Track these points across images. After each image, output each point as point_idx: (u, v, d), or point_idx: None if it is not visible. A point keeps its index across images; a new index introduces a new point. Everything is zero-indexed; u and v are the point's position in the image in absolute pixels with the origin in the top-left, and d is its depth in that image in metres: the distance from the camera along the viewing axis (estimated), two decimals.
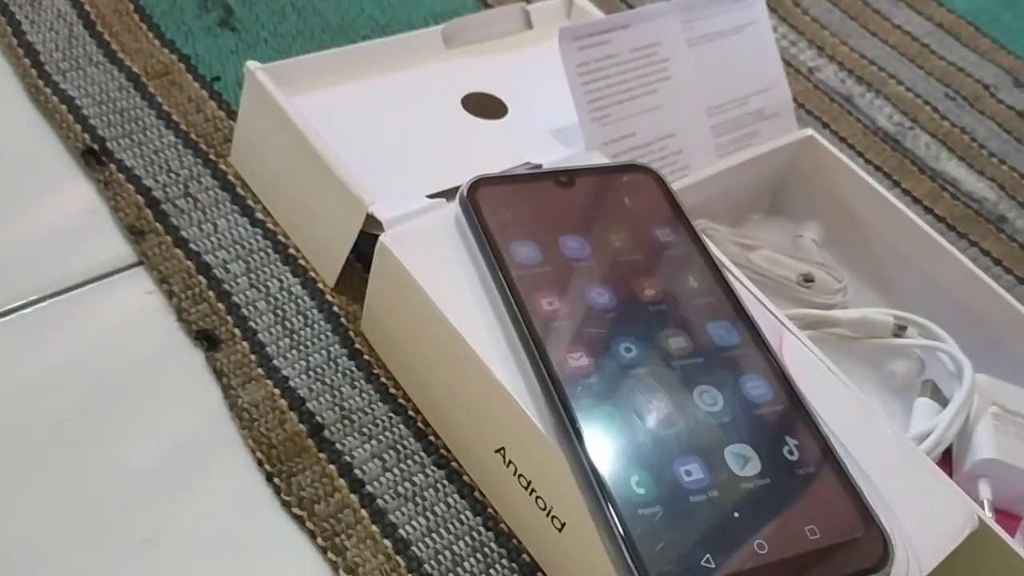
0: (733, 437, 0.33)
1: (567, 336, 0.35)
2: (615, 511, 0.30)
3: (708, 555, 0.30)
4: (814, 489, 0.33)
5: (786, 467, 0.33)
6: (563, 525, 0.34)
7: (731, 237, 0.46)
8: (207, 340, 0.40)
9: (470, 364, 0.35)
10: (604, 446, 0.32)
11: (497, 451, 0.36)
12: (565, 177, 0.40)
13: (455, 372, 0.37)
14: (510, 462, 0.36)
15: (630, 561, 0.29)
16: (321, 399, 0.39)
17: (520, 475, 0.35)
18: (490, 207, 0.38)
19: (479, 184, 0.38)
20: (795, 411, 0.35)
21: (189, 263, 0.42)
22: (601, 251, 0.38)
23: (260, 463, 0.37)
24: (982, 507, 0.40)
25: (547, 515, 0.35)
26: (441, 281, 0.37)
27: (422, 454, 0.38)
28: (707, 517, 0.31)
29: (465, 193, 0.38)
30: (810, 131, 0.49)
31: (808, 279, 0.47)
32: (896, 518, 0.34)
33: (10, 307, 0.40)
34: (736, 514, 0.31)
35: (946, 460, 0.42)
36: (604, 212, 0.39)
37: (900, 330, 0.45)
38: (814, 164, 0.50)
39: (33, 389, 0.37)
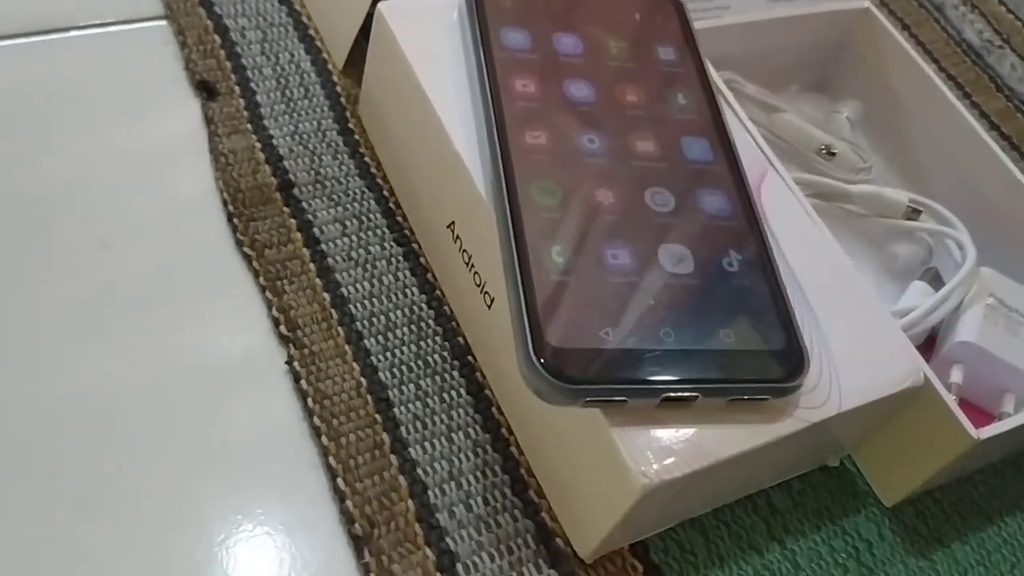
0: (673, 237, 0.32)
1: (532, 117, 0.34)
2: (522, 267, 0.30)
3: (608, 328, 0.29)
4: (742, 299, 0.31)
5: (720, 274, 0.32)
6: (492, 301, 0.34)
7: (756, 94, 0.44)
8: (206, 90, 0.41)
9: (434, 132, 0.35)
10: (535, 215, 0.31)
11: (448, 226, 0.36)
12: None
13: (422, 142, 0.37)
14: (457, 237, 0.36)
15: (525, 314, 0.29)
16: (299, 160, 0.40)
17: (464, 250, 0.35)
18: None
19: None
20: (748, 230, 0.33)
21: (209, 22, 0.43)
22: (595, 53, 0.37)
23: (225, 203, 0.38)
24: (948, 389, 0.38)
25: (480, 291, 0.34)
26: (426, 51, 0.36)
27: (385, 229, 0.39)
28: (619, 297, 0.30)
29: None
30: (867, 3, 0.46)
31: (830, 151, 0.44)
32: (831, 353, 0.32)
33: (33, 29, 0.42)
34: (652, 301, 0.31)
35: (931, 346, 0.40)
36: (611, 19, 0.38)
37: (914, 214, 0.42)
38: (867, 41, 0.47)
39: (35, 108, 0.40)
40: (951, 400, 0.33)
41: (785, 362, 0.30)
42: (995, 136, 0.52)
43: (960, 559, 0.36)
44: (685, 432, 0.29)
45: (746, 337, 0.31)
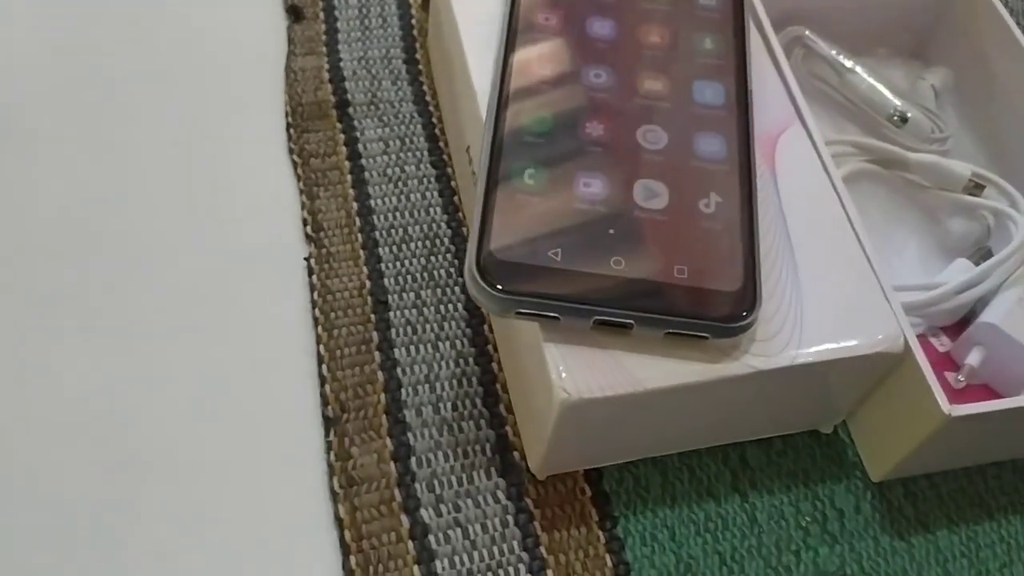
0: (653, 173, 0.33)
1: (545, 49, 0.35)
2: (489, 183, 0.31)
3: (559, 249, 0.31)
4: (708, 239, 0.31)
5: (693, 214, 0.32)
6: None
7: (828, 52, 0.43)
8: (295, 14, 0.45)
9: (459, 59, 0.37)
10: (517, 139, 0.33)
11: (466, 150, 0.38)
12: None
13: (455, 70, 0.39)
14: (470, 160, 0.38)
15: (479, 225, 0.31)
16: (359, 83, 0.43)
17: (473, 172, 0.37)
18: None
19: None
20: (736, 175, 0.33)
21: None
22: None
23: (286, 115, 0.42)
24: (959, 370, 0.36)
25: None
26: None
27: (424, 152, 0.41)
28: (578, 222, 0.31)
29: None
30: None
31: (903, 117, 0.42)
32: (802, 308, 0.32)
33: None
34: (611, 231, 0.31)
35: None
36: None
37: (976, 189, 0.40)
38: (965, 5, 0.44)
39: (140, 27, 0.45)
40: (928, 371, 0.31)
41: (732, 304, 0.30)
42: None
43: (943, 547, 0.34)
44: (618, 357, 0.30)
45: (700, 275, 0.31)
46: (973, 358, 0.36)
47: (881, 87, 0.43)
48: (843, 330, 0.32)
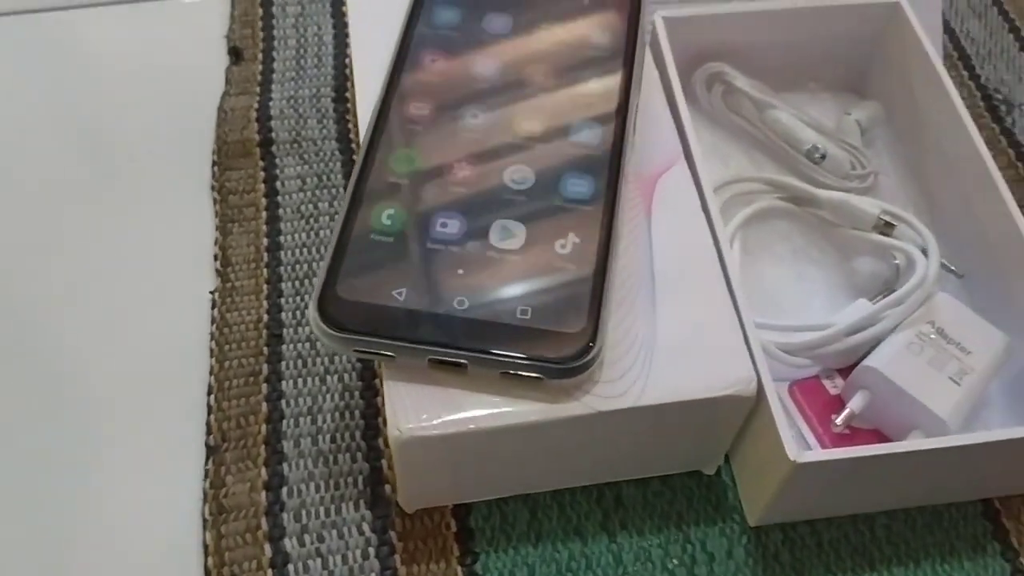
0: (513, 213, 0.33)
1: (426, 90, 0.36)
2: (346, 222, 0.32)
3: (404, 289, 0.31)
4: (558, 280, 0.31)
5: (547, 255, 0.32)
6: None
7: (748, 88, 0.42)
8: (235, 55, 0.47)
9: (355, 100, 0.38)
10: (381, 179, 0.33)
11: None
12: None
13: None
14: None
15: (327, 264, 0.31)
16: (286, 122, 0.45)
17: None
18: None
19: None
20: (598, 217, 0.33)
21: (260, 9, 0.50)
22: (521, 33, 0.38)
23: (213, 153, 0.44)
24: (837, 414, 0.35)
25: None
26: (371, 25, 0.39)
27: (340, 189, 0.43)
28: (429, 262, 0.32)
29: None
30: None
31: (820, 154, 0.41)
32: (655, 350, 0.31)
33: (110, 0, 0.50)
34: (460, 271, 0.32)
35: None
36: (552, 3, 0.39)
37: (888, 228, 0.39)
38: (895, 40, 0.43)
39: (90, 67, 0.48)
40: (780, 416, 0.31)
41: (570, 345, 0.30)
42: None
43: None
44: (455, 396, 0.31)
45: (542, 316, 0.31)
46: (855, 403, 0.35)
47: (799, 123, 0.42)
48: (695, 372, 0.31)
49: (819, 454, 0.30)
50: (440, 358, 0.30)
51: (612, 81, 0.37)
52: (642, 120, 0.38)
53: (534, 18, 0.38)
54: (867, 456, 0.30)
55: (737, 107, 0.43)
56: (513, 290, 0.31)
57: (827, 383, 0.37)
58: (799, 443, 0.36)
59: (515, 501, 0.35)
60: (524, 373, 0.30)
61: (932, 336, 0.35)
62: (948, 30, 0.50)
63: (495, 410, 0.30)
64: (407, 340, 0.30)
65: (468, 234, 0.33)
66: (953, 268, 0.39)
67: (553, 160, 0.35)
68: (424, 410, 0.30)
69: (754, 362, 0.32)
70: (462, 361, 0.30)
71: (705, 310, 0.33)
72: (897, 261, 0.38)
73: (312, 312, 0.31)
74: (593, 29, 0.38)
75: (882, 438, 0.35)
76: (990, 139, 0.46)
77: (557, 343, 0.30)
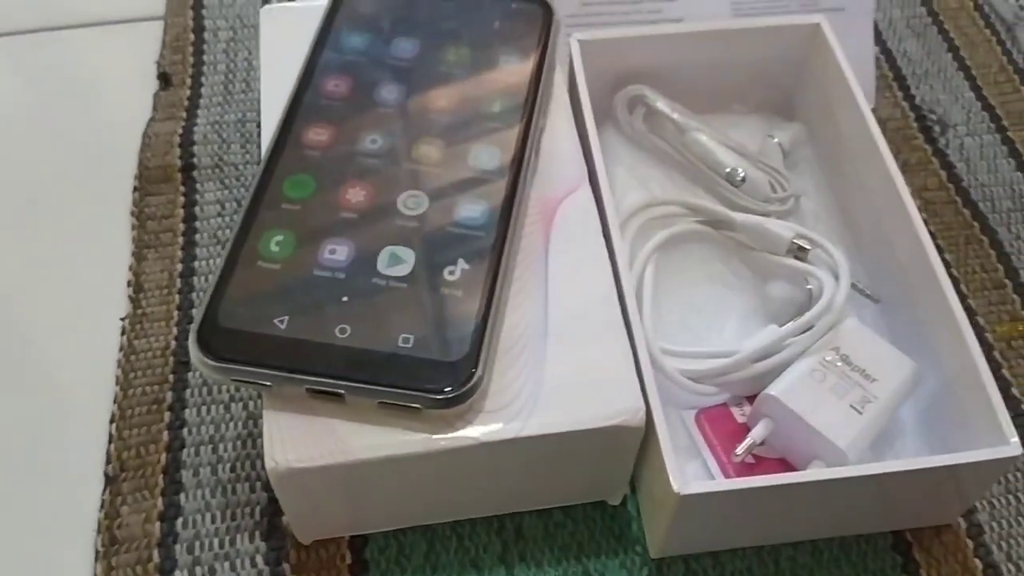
0: (404, 239, 0.33)
1: (327, 115, 0.36)
2: (233, 250, 0.32)
3: (285, 317, 0.31)
4: (443, 308, 0.31)
5: (435, 282, 0.32)
6: None
7: (669, 111, 0.42)
8: (164, 80, 0.47)
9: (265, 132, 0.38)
10: (274, 205, 0.33)
11: None
12: None
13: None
14: None
15: (210, 292, 0.31)
16: (208, 147, 0.44)
17: None
18: None
19: None
20: (490, 243, 0.32)
21: (191, 22, 0.49)
22: (428, 59, 0.38)
23: (135, 178, 0.44)
24: (740, 443, 0.34)
25: None
26: (280, 51, 0.39)
27: None
28: (312, 290, 0.31)
29: None
30: (820, 18, 0.42)
31: (740, 177, 0.41)
32: (543, 380, 0.31)
33: (47, 26, 0.50)
34: (344, 299, 0.31)
35: None
36: (462, 27, 0.39)
37: (801, 252, 0.38)
38: (816, 63, 0.42)
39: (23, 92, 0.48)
40: (668, 447, 0.30)
41: (448, 376, 0.30)
42: (1020, 178, 0.44)
43: None
44: (334, 426, 0.30)
45: (425, 345, 0.30)
46: (757, 432, 0.34)
47: (720, 146, 0.41)
48: (583, 403, 0.31)
49: (702, 486, 0.29)
50: (317, 388, 0.30)
51: (515, 105, 0.37)
52: (549, 144, 0.37)
53: (442, 42, 0.38)
54: (753, 488, 0.30)
55: (659, 130, 0.43)
56: (397, 318, 0.31)
57: (736, 411, 0.36)
58: (703, 473, 0.35)
59: (413, 532, 0.35)
60: (401, 403, 0.30)
61: (836, 363, 0.34)
62: (885, 50, 0.49)
63: (372, 441, 0.30)
64: (283, 369, 0.30)
65: (356, 261, 0.32)
66: (869, 293, 0.38)
67: (449, 186, 0.34)
68: (301, 441, 0.30)
69: (644, 392, 0.31)
70: (339, 391, 0.30)
71: (598, 339, 0.32)
72: (810, 286, 0.38)
73: (191, 341, 0.30)
74: (501, 54, 0.38)
75: (788, 467, 0.35)
76: (921, 161, 0.45)
77: (437, 372, 0.30)
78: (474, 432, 0.30)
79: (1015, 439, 0.31)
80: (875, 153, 0.38)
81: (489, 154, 0.35)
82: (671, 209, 0.40)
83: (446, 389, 0.29)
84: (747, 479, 0.30)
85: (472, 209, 0.34)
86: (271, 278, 0.32)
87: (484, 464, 0.31)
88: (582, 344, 0.32)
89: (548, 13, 0.39)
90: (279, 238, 0.33)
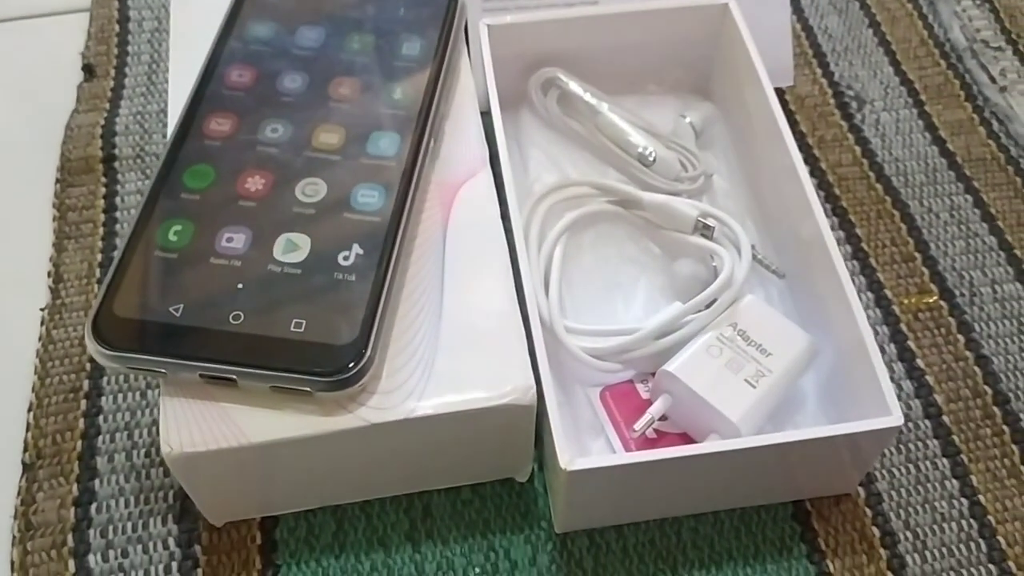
0: (300, 226, 0.33)
1: (228, 105, 0.36)
2: (130, 241, 0.32)
3: (181, 305, 0.31)
4: (335, 293, 0.31)
5: (329, 267, 0.32)
6: None
7: (581, 93, 0.42)
8: (88, 72, 0.47)
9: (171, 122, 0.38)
10: (173, 195, 0.34)
11: None
12: None
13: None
14: None
15: (107, 282, 0.32)
16: (130, 137, 0.45)
17: None
18: None
19: None
20: (385, 228, 0.33)
21: (116, 13, 0.50)
22: (332, 46, 0.38)
23: (58, 170, 0.44)
24: (645, 423, 0.34)
25: None
26: (189, 39, 0.39)
27: None
28: (208, 278, 0.32)
29: None
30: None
31: (651, 157, 0.41)
32: (435, 361, 0.32)
33: None
34: (240, 285, 0.32)
35: None
36: (368, 15, 0.39)
37: (707, 230, 0.39)
38: (725, 42, 0.43)
39: None
40: (557, 426, 0.31)
41: (339, 358, 0.30)
42: (935, 152, 0.45)
43: None
44: (228, 411, 0.31)
45: (317, 329, 0.31)
46: (655, 408, 0.34)
47: (630, 127, 0.42)
48: (474, 383, 0.32)
49: (588, 461, 0.30)
50: (210, 374, 0.31)
51: (416, 91, 0.37)
52: (452, 129, 0.38)
53: (347, 30, 0.39)
54: (639, 463, 0.30)
55: (572, 112, 0.43)
56: (290, 303, 0.32)
57: (640, 387, 0.37)
58: (607, 449, 0.36)
59: (324, 512, 0.35)
60: (293, 387, 0.30)
61: (733, 338, 0.35)
62: (806, 27, 0.50)
63: (265, 425, 0.30)
64: (176, 357, 0.30)
65: (252, 249, 0.33)
66: (775, 268, 0.39)
67: (347, 172, 0.35)
68: (196, 426, 0.30)
69: (537, 371, 0.32)
70: (231, 376, 0.30)
71: (492, 320, 0.33)
72: (715, 263, 0.38)
73: (86, 331, 0.31)
74: (405, 41, 0.38)
75: (689, 441, 0.35)
76: (836, 137, 0.45)
77: (328, 356, 0.31)
78: (366, 413, 0.31)
79: (897, 410, 0.31)
80: (776, 131, 0.38)
81: (388, 140, 0.36)
82: (582, 190, 0.41)
83: (336, 372, 0.30)
84: (632, 454, 0.31)
85: (368, 195, 0.34)
86: (168, 267, 0.32)
87: (379, 445, 0.32)
88: (476, 325, 0.33)
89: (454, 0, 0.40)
90: (177, 228, 0.33)
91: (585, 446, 0.36)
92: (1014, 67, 0.48)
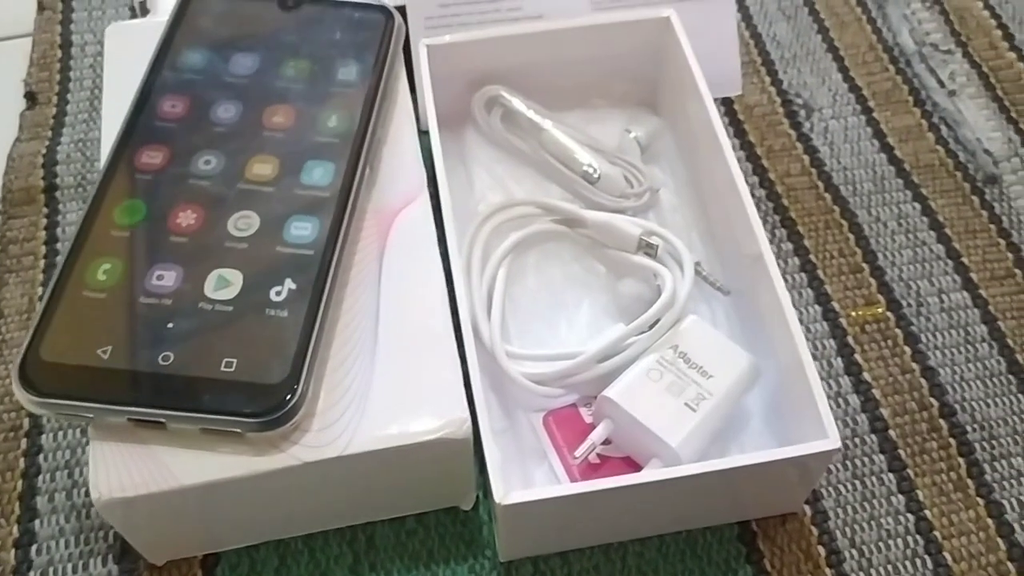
0: (231, 262, 0.33)
1: (161, 136, 0.36)
2: (59, 281, 0.32)
3: (110, 347, 0.31)
4: (266, 330, 0.31)
5: (261, 303, 0.32)
6: None
7: (525, 110, 0.42)
8: (30, 99, 0.47)
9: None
10: (104, 232, 0.33)
11: None
12: (293, 2, 0.40)
13: None
14: None
15: (35, 325, 0.31)
16: (71, 166, 0.44)
17: None
18: (200, 12, 0.39)
19: None
20: (319, 261, 0.33)
21: (59, 38, 0.49)
22: (266, 74, 0.38)
23: (0, 200, 0.44)
24: (586, 449, 0.34)
25: None
26: (124, 70, 0.38)
27: None
28: (138, 318, 0.31)
29: (179, 1, 0.39)
30: (670, 12, 0.42)
31: (596, 174, 0.41)
32: (369, 396, 0.31)
33: None
34: (170, 325, 0.31)
35: None
36: (303, 40, 0.38)
37: (651, 248, 0.38)
38: (669, 53, 0.42)
39: None
40: (492, 458, 0.30)
41: (269, 398, 0.30)
42: (883, 159, 0.45)
43: None
44: (158, 454, 0.30)
45: (247, 369, 0.31)
46: (596, 434, 0.34)
47: (574, 144, 0.41)
48: (409, 415, 0.31)
49: (524, 495, 0.30)
50: (139, 418, 0.30)
51: (352, 117, 0.37)
52: (390, 154, 0.37)
53: (282, 57, 0.38)
54: (576, 494, 0.30)
55: (516, 129, 0.43)
56: (221, 342, 0.31)
57: (584, 411, 0.36)
58: (550, 476, 0.36)
59: (267, 548, 0.35)
60: (223, 428, 0.30)
61: (674, 361, 0.35)
62: (755, 35, 0.49)
63: (195, 467, 0.30)
64: (103, 401, 0.30)
65: (183, 286, 0.32)
66: (719, 285, 0.39)
67: (280, 204, 0.34)
68: (125, 470, 0.30)
69: (472, 402, 0.32)
70: (160, 420, 0.30)
71: (428, 350, 0.33)
72: (658, 282, 0.38)
73: (12, 377, 0.30)
74: (340, 65, 0.38)
75: (632, 465, 0.35)
76: (785, 146, 0.45)
77: (258, 395, 0.30)
78: (299, 452, 0.30)
79: (834, 433, 0.31)
80: (716, 144, 0.38)
81: (323, 169, 0.35)
82: (527, 209, 0.41)
83: (266, 412, 0.30)
84: (568, 486, 0.30)
85: (301, 227, 0.34)
86: (97, 308, 0.32)
87: (315, 482, 0.32)
88: (412, 357, 0.32)
89: (390, 20, 0.39)
90: (106, 266, 0.33)
91: (528, 473, 0.35)
92: (963, 70, 0.48)
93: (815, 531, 0.35)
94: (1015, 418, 0.38)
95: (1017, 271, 0.41)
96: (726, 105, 0.47)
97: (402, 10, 0.43)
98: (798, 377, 0.33)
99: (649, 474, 0.30)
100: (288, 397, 0.30)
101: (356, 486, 0.33)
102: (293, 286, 0.32)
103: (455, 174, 0.43)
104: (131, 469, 0.30)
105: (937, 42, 0.49)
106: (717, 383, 0.34)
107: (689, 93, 0.41)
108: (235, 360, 0.31)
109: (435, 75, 0.41)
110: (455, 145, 0.44)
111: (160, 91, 0.37)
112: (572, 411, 0.37)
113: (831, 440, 0.31)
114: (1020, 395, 0.38)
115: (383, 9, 0.40)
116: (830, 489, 0.36)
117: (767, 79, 0.48)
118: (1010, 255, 0.42)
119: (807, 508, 0.36)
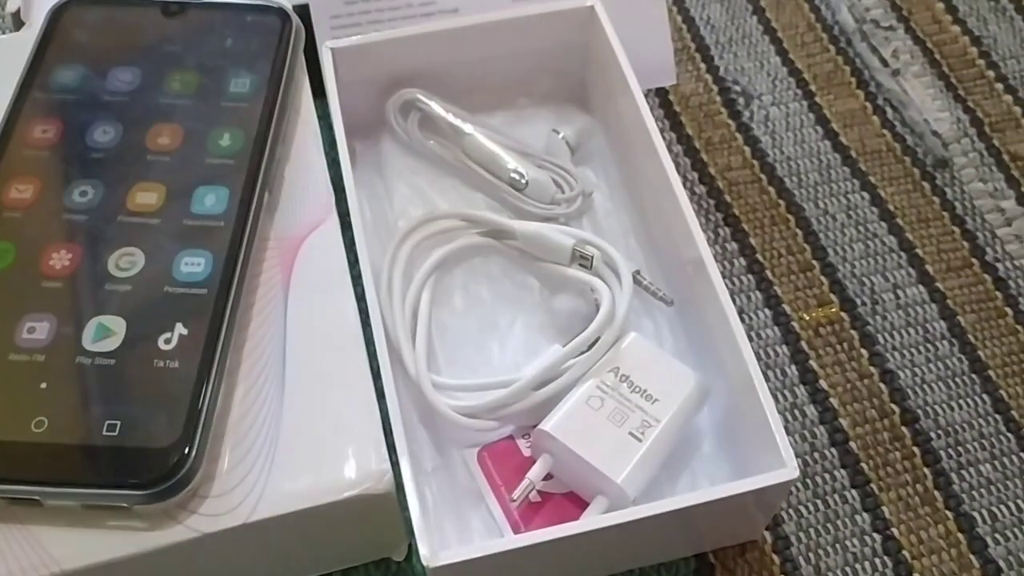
0: (114, 307, 0.29)
1: (32, 167, 0.32)
2: None
3: None
4: (155, 385, 0.28)
5: (148, 354, 0.28)
6: None
7: (443, 113, 0.39)
8: None
9: None
10: None
11: None
12: (177, 7, 0.36)
13: None
14: None
15: None
16: None
17: None
18: (72, 24, 0.35)
19: (71, 3, 0.36)
20: (212, 302, 0.29)
21: None
22: (149, 90, 0.34)
23: None
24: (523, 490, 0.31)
25: None
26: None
27: None
28: (7, 378, 0.28)
29: (49, 13, 0.35)
30: (592, 1, 0.38)
31: (524, 180, 0.38)
32: (276, 451, 0.28)
33: None
34: (43, 385, 0.28)
35: None
36: (189, 49, 0.35)
37: (585, 259, 0.35)
38: (595, 45, 0.39)
39: None
40: (416, 515, 0.27)
41: (158, 465, 0.26)
42: (828, 147, 0.42)
43: None
44: (35, 534, 0.27)
45: (133, 431, 0.27)
46: (535, 472, 0.31)
47: (497, 149, 0.38)
48: (322, 471, 0.28)
49: (453, 554, 0.26)
50: (10, 496, 0.27)
51: (247, 135, 0.33)
52: (293, 174, 0.34)
53: (166, 69, 0.34)
54: (513, 549, 0.27)
55: (436, 135, 0.39)
56: (102, 402, 0.27)
57: (522, 443, 0.33)
58: (488, 520, 0.32)
59: None
60: (107, 504, 0.27)
61: (615, 386, 0.32)
62: (688, 19, 0.46)
63: (78, 548, 0.26)
64: None
65: (58, 339, 0.28)
66: (662, 295, 0.36)
67: (168, 238, 0.31)
68: (4, 554, 0.26)
69: (393, 452, 0.28)
70: (35, 497, 0.26)
71: (342, 394, 0.29)
72: (596, 296, 0.35)
73: None
74: (232, 76, 0.34)
75: (578, 500, 0.32)
76: (724, 138, 0.42)
77: (146, 462, 0.27)
78: (197, 523, 0.27)
79: (792, 462, 0.28)
80: (649, 141, 0.35)
81: (216, 196, 0.31)
82: (450, 223, 0.37)
83: (155, 481, 0.26)
84: (503, 541, 0.27)
85: (192, 264, 0.30)
86: None
87: (220, 553, 0.28)
88: (325, 403, 0.29)
89: (287, 23, 0.36)
90: None
91: (465, 517, 0.32)
92: (907, 47, 0.45)
93: (777, 559, 0.33)
94: (980, 421, 0.35)
95: (974, 260, 0.39)
96: (660, 96, 0.44)
97: (303, 10, 0.39)
98: (750, 397, 0.30)
99: (594, 521, 0.27)
100: (179, 461, 0.26)
101: (269, 551, 0.29)
102: (184, 331, 0.29)
103: (371, 188, 0.39)
104: (6, 555, 0.26)
105: (878, 18, 0.46)
106: (663, 407, 0.31)
107: (619, 86, 0.38)
108: (118, 422, 0.27)
109: (343, 81, 0.37)
110: (371, 157, 0.40)
111: (29, 115, 0.33)
112: (509, 444, 0.33)
113: (789, 470, 0.28)
114: (984, 395, 0.36)
115: (279, 11, 0.36)
116: (791, 512, 0.34)
117: (703, 66, 0.45)
118: (965, 244, 0.39)
119: (767, 535, 0.33)
